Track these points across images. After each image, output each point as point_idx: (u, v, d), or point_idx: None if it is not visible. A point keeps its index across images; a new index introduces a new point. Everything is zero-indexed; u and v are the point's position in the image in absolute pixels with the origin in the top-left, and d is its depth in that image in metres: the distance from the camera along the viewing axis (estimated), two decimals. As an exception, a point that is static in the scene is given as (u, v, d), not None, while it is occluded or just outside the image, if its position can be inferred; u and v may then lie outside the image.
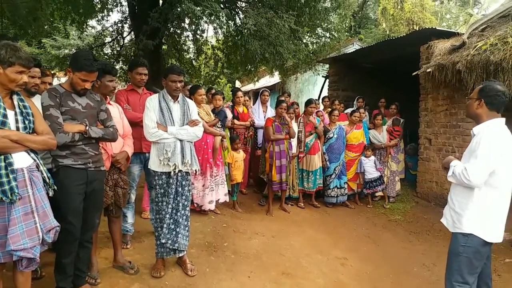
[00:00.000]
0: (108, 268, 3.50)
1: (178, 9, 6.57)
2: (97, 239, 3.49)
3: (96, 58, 2.87)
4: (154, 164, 3.41)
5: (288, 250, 4.53)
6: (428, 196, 6.96)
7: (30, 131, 2.41)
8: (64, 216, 2.69)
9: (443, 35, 6.65)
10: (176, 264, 3.67)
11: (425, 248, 5.08)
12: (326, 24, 9.73)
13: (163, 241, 3.40)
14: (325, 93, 11.04)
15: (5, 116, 2.29)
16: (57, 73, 12.28)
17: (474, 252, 2.62)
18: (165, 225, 3.39)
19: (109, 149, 3.26)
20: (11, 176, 2.24)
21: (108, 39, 11.66)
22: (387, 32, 17.16)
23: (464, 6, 19.47)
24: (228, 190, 5.68)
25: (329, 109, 7.41)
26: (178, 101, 3.49)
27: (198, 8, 6.31)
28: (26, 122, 2.38)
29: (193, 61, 12.00)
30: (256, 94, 6.86)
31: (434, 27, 7.46)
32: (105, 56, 11.28)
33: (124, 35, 11.03)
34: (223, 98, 5.94)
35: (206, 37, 10.89)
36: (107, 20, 14.06)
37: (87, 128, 2.82)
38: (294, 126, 6.14)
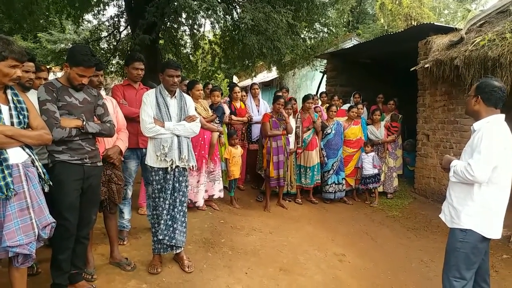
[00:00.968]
0: (104, 264, 3.48)
1: (175, 3, 6.50)
2: (94, 235, 3.47)
3: (94, 53, 2.84)
4: (151, 160, 3.39)
5: (286, 246, 4.52)
6: (426, 192, 6.97)
7: (25, 126, 2.39)
8: (60, 212, 2.67)
9: (441, 31, 6.63)
10: (173, 260, 3.66)
11: (423, 244, 5.08)
12: (324, 19, 9.67)
13: (160, 237, 3.38)
14: (323, 88, 11.03)
15: (-1, 111, 2.25)
16: (53, 68, 12.19)
17: (472, 248, 2.62)
18: (162, 221, 3.37)
19: (102, 144, 3.23)
20: (6, 172, 2.22)
21: (104, 33, 11.58)
22: (385, 28, 17.14)
23: (462, 1, 19.44)
24: (226, 186, 5.66)
25: (327, 105, 7.40)
26: (175, 97, 3.46)
27: (195, 3, 6.25)
28: (21, 117, 2.35)
29: (190, 56, 11.94)
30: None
31: (432, 23, 7.43)
32: (102, 51, 11.20)
33: (121, 30, 10.96)
34: (222, 94, 5.90)
35: (203, 32, 10.83)
36: (103, 15, 13.94)
37: (84, 123, 2.79)
38: (292, 122, 6.12)
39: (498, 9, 6.17)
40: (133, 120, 3.80)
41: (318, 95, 9.09)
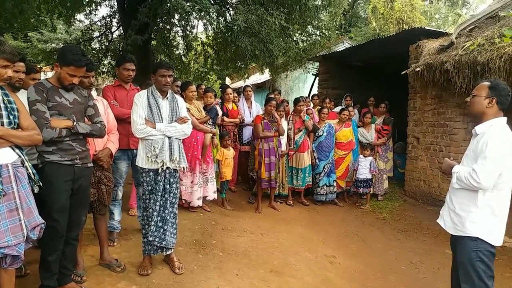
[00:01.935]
0: (94, 266, 3.45)
1: (168, 4, 6.50)
2: (83, 236, 3.45)
3: (85, 53, 2.82)
4: (141, 161, 3.37)
5: (277, 248, 4.53)
6: (416, 195, 7.03)
7: (15, 127, 2.36)
8: (50, 213, 2.64)
9: (432, 35, 6.71)
10: (164, 262, 3.64)
11: (413, 246, 5.13)
12: (316, 22, 9.73)
13: (151, 238, 3.37)
14: (315, 91, 11.07)
15: (-11, 111, 2.23)
16: (43, 68, 12.08)
17: (487, 254, 2.51)
18: (152, 223, 3.36)
19: (92, 146, 3.22)
20: (-5, 172, 2.19)
21: (96, 33, 11.52)
22: (377, 31, 17.28)
23: (453, 6, 19.68)
24: (217, 188, 5.65)
25: (319, 107, 7.43)
26: (167, 98, 3.45)
27: (188, 4, 6.25)
28: (11, 117, 2.33)
29: (183, 57, 11.91)
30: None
31: (423, 27, 7.52)
32: (93, 51, 11.13)
33: (113, 30, 10.91)
34: (215, 96, 5.90)
35: (196, 33, 10.83)
36: (95, 15, 13.83)
37: (75, 123, 2.77)
38: (284, 123, 6.14)
39: (488, 14, 6.27)
40: (124, 121, 3.79)
41: (310, 97, 9.13)
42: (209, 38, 11.17)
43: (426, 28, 7.14)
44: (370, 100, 8.28)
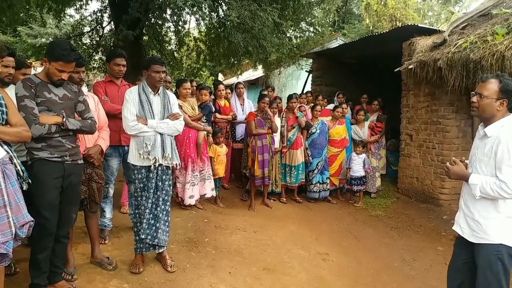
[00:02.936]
0: (85, 264, 3.41)
1: (160, -1, 6.45)
2: (74, 234, 3.40)
3: (74, 48, 2.76)
4: (133, 158, 3.33)
5: (270, 245, 4.51)
6: (409, 192, 7.05)
7: (3, 123, 2.32)
8: (39, 210, 2.60)
9: (425, 32, 6.70)
10: (156, 259, 3.60)
11: (406, 243, 5.14)
12: (310, 19, 9.72)
13: (143, 236, 3.33)
14: (308, 87, 11.06)
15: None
16: (33, 63, 11.93)
17: (507, 257, 2.46)
18: (144, 220, 3.32)
19: (83, 143, 3.17)
20: (-18, 169, 2.14)
21: (87, 28, 11.40)
22: (371, 28, 17.30)
23: (446, 3, 19.76)
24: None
25: (312, 104, 7.42)
26: (158, 94, 3.41)
27: (180, -1, 6.19)
28: (-1, 113, 2.28)
29: (175, 52, 11.84)
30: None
31: (416, 24, 7.50)
32: (84, 46, 11.01)
33: (104, 25, 10.77)
34: (210, 93, 5.84)
35: (188, 29, 10.75)
36: (86, 9, 13.74)
37: (64, 119, 2.72)
38: (277, 120, 6.11)
39: (480, 12, 6.28)
40: (115, 117, 3.73)
41: (305, 94, 9.10)
42: (202, 33, 11.10)
43: (419, 25, 7.12)
44: (363, 97, 8.27)
